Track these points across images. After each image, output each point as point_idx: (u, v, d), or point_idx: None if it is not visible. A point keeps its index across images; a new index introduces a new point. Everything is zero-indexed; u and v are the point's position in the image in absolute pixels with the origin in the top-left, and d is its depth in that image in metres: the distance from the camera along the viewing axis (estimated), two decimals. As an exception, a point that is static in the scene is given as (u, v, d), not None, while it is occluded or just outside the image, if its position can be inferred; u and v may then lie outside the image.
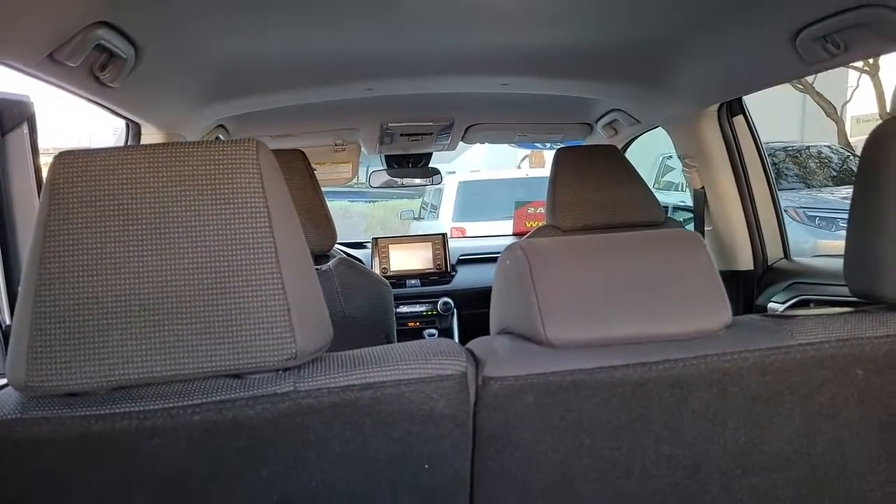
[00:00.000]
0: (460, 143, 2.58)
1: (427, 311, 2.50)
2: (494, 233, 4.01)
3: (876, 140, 0.79)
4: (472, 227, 5.53)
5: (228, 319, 0.61)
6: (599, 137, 2.40)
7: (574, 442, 0.71)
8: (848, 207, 0.83)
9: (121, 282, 0.60)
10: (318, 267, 1.64)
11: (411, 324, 2.48)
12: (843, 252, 0.84)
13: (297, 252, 0.67)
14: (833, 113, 8.73)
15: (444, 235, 2.63)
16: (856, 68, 8.59)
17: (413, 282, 2.55)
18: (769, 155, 6.68)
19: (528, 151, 9.27)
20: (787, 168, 6.46)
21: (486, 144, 3.09)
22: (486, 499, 0.73)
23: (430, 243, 2.60)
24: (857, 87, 9.29)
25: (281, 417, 0.63)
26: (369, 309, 1.72)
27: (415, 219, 6.85)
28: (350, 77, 1.71)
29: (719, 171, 1.88)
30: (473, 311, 2.42)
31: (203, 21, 1.21)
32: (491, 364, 0.69)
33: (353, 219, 9.52)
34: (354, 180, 3.17)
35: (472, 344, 0.76)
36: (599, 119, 2.29)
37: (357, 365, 0.67)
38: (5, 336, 1.14)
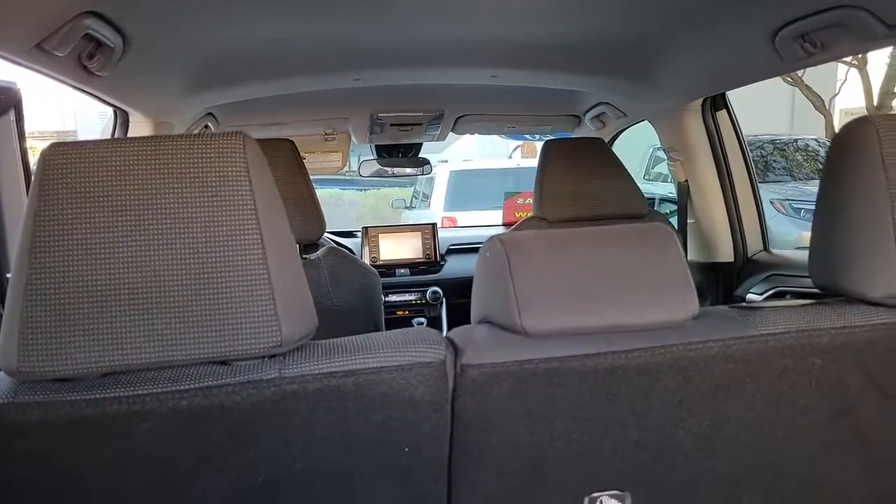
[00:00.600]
0: (450, 133, 2.60)
1: (416, 300, 2.53)
2: (485, 222, 4.04)
3: (841, 139, 0.83)
4: (464, 217, 5.55)
5: (216, 308, 0.63)
6: (588, 129, 2.42)
7: (547, 426, 0.75)
8: None
9: (110, 271, 0.62)
10: (307, 256, 1.66)
11: (400, 312, 2.51)
12: None
13: (283, 243, 0.69)
14: (821, 106, 8.80)
15: (433, 225, 2.66)
16: (844, 62, 8.65)
17: (402, 271, 2.58)
18: (758, 147, 6.70)
19: (519, 142, 9.29)
20: (774, 160, 6.53)
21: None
22: (464, 480, 0.77)
23: (419, 233, 2.63)
24: (844, 81, 9.36)
25: (266, 402, 0.66)
26: (357, 298, 1.75)
27: (406, 208, 6.86)
28: (338, 67, 1.72)
29: (702, 165, 1.91)
30: (462, 301, 2.45)
31: (191, 10, 1.22)
32: (469, 352, 0.72)
33: (344, 207, 9.50)
34: (346, 168, 3.18)
35: (452, 333, 0.78)
36: (587, 111, 2.32)
37: (340, 353, 0.69)
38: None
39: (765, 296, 1.77)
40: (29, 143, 1.38)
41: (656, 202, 5.96)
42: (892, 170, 0.77)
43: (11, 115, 1.32)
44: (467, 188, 6.03)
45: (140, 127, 1.65)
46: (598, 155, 1.90)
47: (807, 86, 8.51)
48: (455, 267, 2.61)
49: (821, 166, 6.54)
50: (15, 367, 0.61)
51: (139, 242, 0.63)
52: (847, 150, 0.81)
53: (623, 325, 0.73)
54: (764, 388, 0.76)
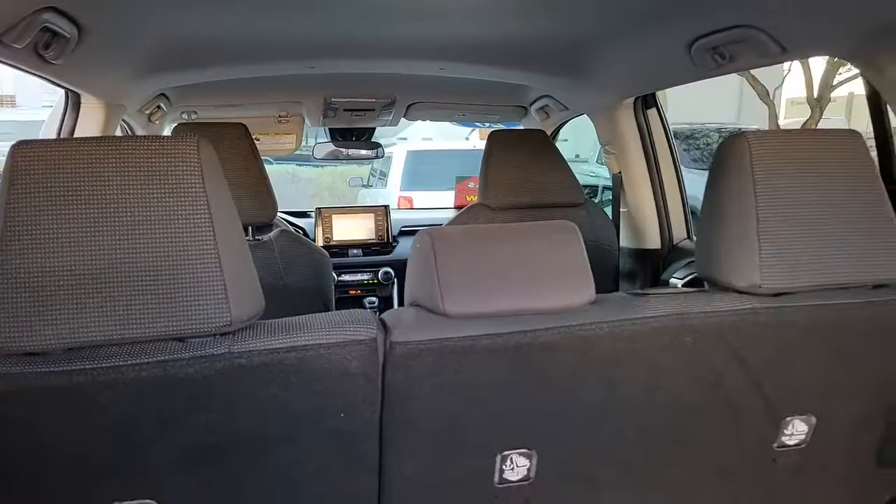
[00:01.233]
0: (403, 119, 2.68)
1: (368, 280, 2.62)
2: (441, 204, 4.14)
3: (722, 151, 0.97)
4: (420, 197, 5.62)
5: (172, 291, 0.72)
6: (534, 120, 2.55)
7: (465, 396, 0.87)
8: None
9: (75, 257, 0.70)
10: (260, 237, 1.74)
11: (353, 292, 2.60)
12: None
13: (233, 233, 0.78)
14: (765, 96, 9.16)
15: (386, 207, 2.74)
16: (789, 54, 8.99)
17: (355, 251, 2.66)
18: (704, 135, 6.94)
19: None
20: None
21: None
22: (393, 442, 0.88)
23: (372, 214, 2.71)
24: (789, 72, 9.76)
25: (217, 375, 0.76)
26: (308, 278, 1.83)
27: (363, 186, 6.87)
28: (292, 55, 1.78)
29: (633, 158, 2.06)
30: None
31: (145, 1, 1.26)
32: (397, 331, 0.84)
33: (300, 184, 9.42)
34: (303, 143, 3.22)
35: (384, 315, 0.90)
36: (533, 103, 2.43)
37: (284, 331, 0.80)
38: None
39: (685, 280, 1.94)
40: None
41: (599, 191, 6.20)
42: (759, 179, 0.91)
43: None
44: (424, 168, 6.08)
45: (92, 109, 1.68)
46: (541, 147, 2.02)
47: (753, 76, 8.85)
48: (407, 248, 2.69)
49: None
50: None
51: (102, 232, 0.71)
52: (726, 161, 0.95)
53: (529, 309, 0.86)
54: (647, 362, 0.90)
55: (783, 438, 1.00)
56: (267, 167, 1.79)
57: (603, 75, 1.85)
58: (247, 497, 0.85)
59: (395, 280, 2.64)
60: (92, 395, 0.72)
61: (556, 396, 0.90)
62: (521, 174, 1.96)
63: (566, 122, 2.54)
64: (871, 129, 1.43)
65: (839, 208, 0.93)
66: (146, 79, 1.74)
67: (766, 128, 8.71)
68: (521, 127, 2.71)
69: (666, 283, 2.04)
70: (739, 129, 7.43)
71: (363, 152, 2.94)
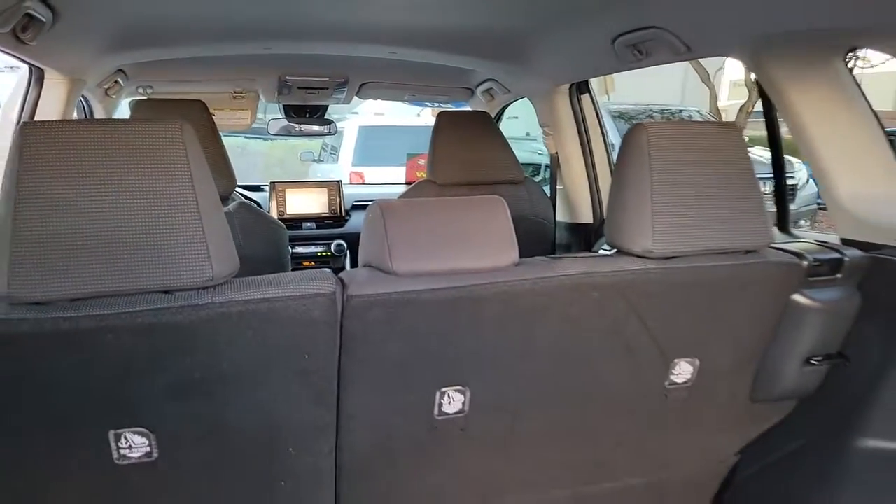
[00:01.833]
0: (355, 97, 2.79)
1: (322, 252, 2.74)
2: (392, 180, 4.26)
3: (627, 138, 1.15)
4: (371, 172, 5.70)
5: (162, 251, 0.86)
6: (480, 101, 2.71)
7: (410, 342, 1.04)
8: None
9: (78, 221, 0.82)
10: None
11: (307, 263, 2.72)
12: None
13: (212, 201, 0.92)
14: (707, 79, 9.53)
15: (339, 182, 2.86)
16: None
17: (309, 224, 2.77)
18: (647, 116, 7.31)
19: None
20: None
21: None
22: (350, 379, 1.05)
23: (325, 189, 2.82)
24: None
25: (201, 322, 0.90)
26: (266, 248, 1.95)
27: (315, 160, 6.89)
28: (248, 37, 1.88)
29: (568, 140, 2.26)
30: None
31: None
32: (353, 286, 1.00)
33: (250, 157, 9.30)
34: (257, 117, 3.27)
35: (342, 273, 1.05)
36: (478, 86, 2.60)
37: (258, 286, 0.94)
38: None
39: (613, 252, 2.16)
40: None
41: (542, 169, 6.44)
42: (654, 162, 1.10)
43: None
44: (375, 144, 6.13)
45: (55, 84, 1.74)
46: (485, 127, 2.19)
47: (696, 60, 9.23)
48: (359, 222, 2.81)
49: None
50: (6, 292, 0.81)
51: (101, 201, 0.83)
52: (629, 146, 1.14)
53: (463, 269, 1.04)
54: (560, 313, 1.09)
55: (672, 377, 1.22)
56: None
57: (541, 63, 2.03)
58: (226, 426, 1.00)
59: (348, 252, 2.76)
60: (94, 338, 0.86)
61: (486, 341, 1.08)
62: (466, 153, 2.12)
63: (509, 104, 2.71)
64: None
65: (719, 188, 1.13)
66: (108, 56, 1.81)
67: (707, 109, 9.13)
68: (468, 108, 2.86)
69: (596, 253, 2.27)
70: (681, 110, 7.81)
71: (316, 128, 3.03)
